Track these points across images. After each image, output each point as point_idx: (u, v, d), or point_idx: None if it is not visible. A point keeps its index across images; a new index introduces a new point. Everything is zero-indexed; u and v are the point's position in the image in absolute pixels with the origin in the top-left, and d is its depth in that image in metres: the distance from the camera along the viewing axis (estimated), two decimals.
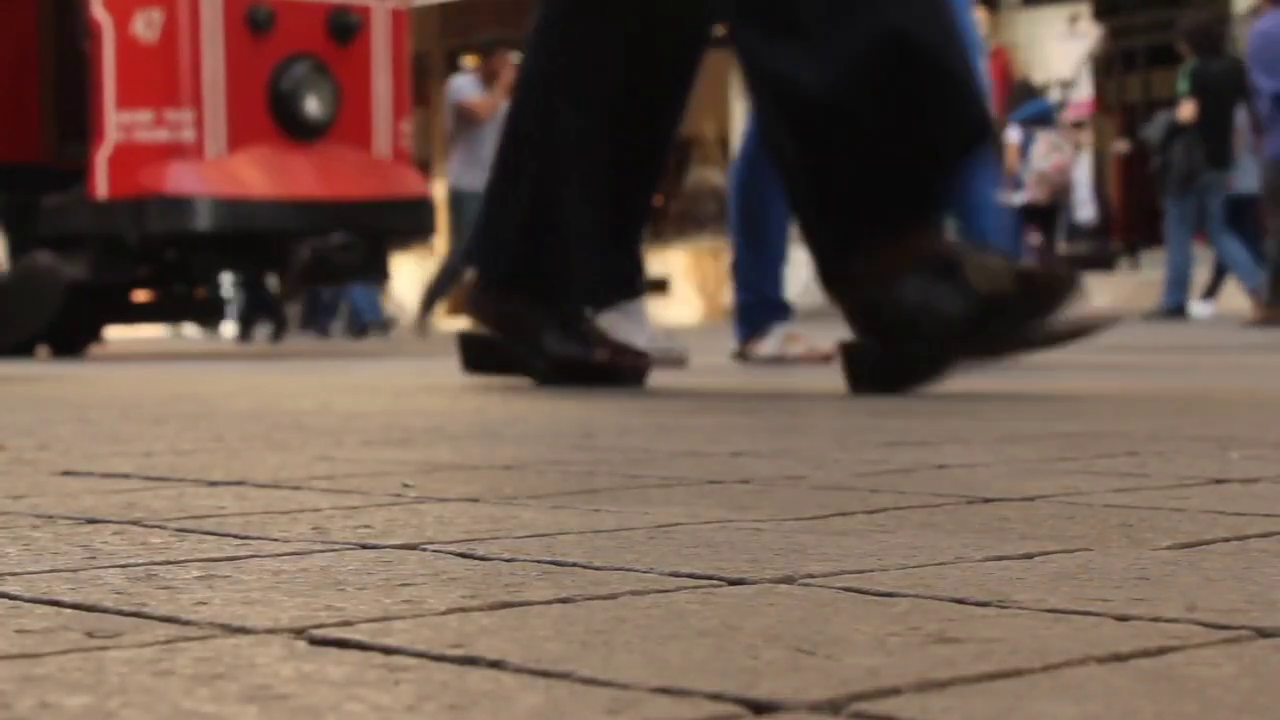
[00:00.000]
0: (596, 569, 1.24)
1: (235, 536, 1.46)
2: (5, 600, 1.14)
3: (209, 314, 11.74)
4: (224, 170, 9.33)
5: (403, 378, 5.42)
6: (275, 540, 1.43)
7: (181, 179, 9.30)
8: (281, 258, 9.69)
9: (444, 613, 1.07)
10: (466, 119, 13.42)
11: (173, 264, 10.08)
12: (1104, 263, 15.35)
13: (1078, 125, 15.62)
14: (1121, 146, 15.79)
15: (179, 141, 9.34)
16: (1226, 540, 1.38)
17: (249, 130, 9.40)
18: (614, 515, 1.58)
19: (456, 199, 13.33)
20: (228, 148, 9.35)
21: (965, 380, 4.03)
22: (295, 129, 9.50)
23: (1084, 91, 16.04)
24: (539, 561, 1.29)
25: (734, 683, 0.85)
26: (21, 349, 9.95)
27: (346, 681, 0.87)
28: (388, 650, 0.95)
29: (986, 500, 1.68)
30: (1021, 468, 2.01)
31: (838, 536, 1.42)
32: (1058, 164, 14.56)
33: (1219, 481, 1.83)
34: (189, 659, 0.93)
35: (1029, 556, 1.29)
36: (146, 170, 9.27)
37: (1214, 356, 5.90)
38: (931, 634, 0.98)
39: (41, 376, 5.99)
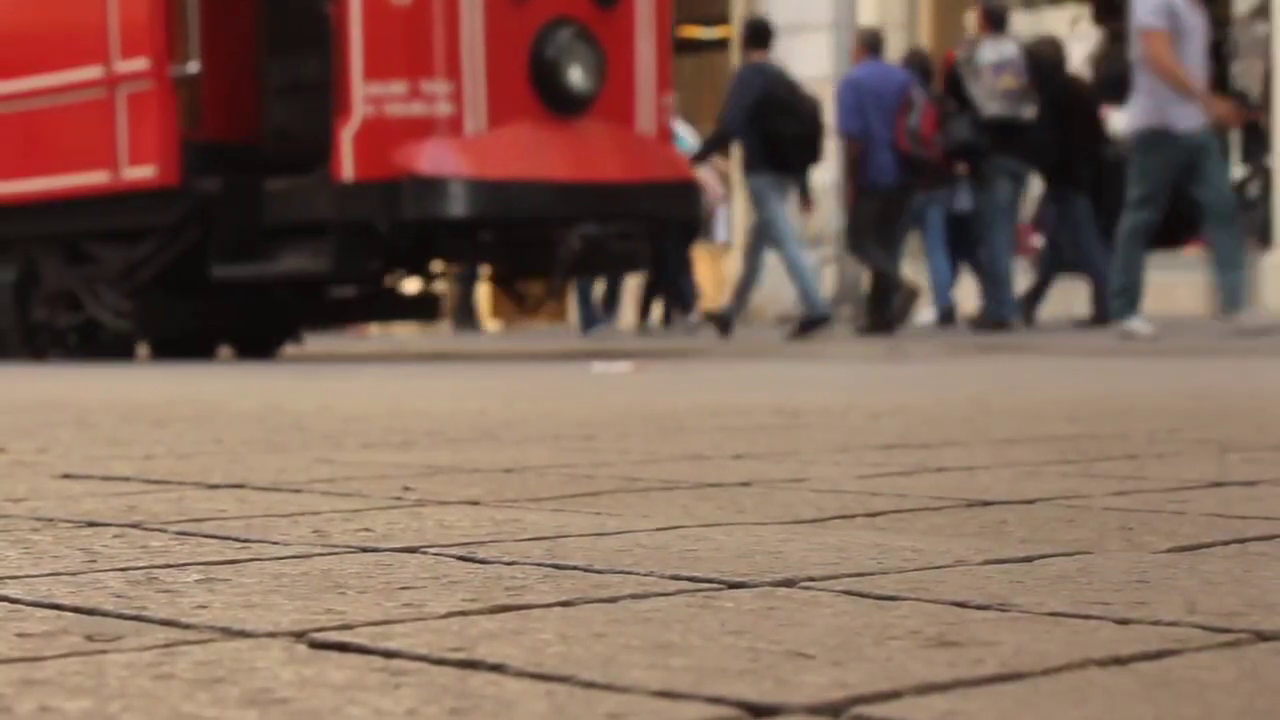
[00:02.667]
0: (598, 572, 1.24)
1: (235, 539, 1.46)
2: (5, 603, 1.14)
3: (427, 311, 10.30)
4: (484, 148, 8.16)
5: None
6: (276, 543, 1.43)
7: (439, 158, 8.10)
8: (544, 247, 8.50)
9: (445, 616, 1.07)
10: None
11: (409, 254, 8.78)
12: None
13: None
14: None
15: (435, 116, 8.17)
16: (1226, 543, 1.38)
17: (509, 103, 8.21)
18: (615, 518, 1.58)
19: None
20: (487, 123, 8.18)
21: (965, 381, 4.04)
22: (557, 102, 8.30)
23: None
24: (540, 564, 1.29)
25: (735, 686, 0.85)
26: (200, 350, 9.20)
27: (347, 685, 0.87)
28: (388, 654, 0.95)
29: (986, 503, 1.68)
30: (1021, 471, 2.01)
31: (838, 539, 1.42)
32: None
33: (1218, 485, 1.83)
34: (189, 662, 0.93)
35: (1029, 560, 1.29)
36: (399, 148, 8.07)
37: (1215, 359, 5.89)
38: (932, 637, 0.98)
39: (41, 379, 5.99)
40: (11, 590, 1.19)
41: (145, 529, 1.54)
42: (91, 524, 1.58)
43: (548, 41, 8.26)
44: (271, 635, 1.01)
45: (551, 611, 1.08)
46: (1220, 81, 15.26)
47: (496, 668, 0.90)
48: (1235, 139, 15.34)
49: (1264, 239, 14.40)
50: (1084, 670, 0.89)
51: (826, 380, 4.78)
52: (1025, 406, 3.33)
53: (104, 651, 0.96)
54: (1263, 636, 0.97)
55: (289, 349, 9.76)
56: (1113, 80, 12.22)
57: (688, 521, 1.55)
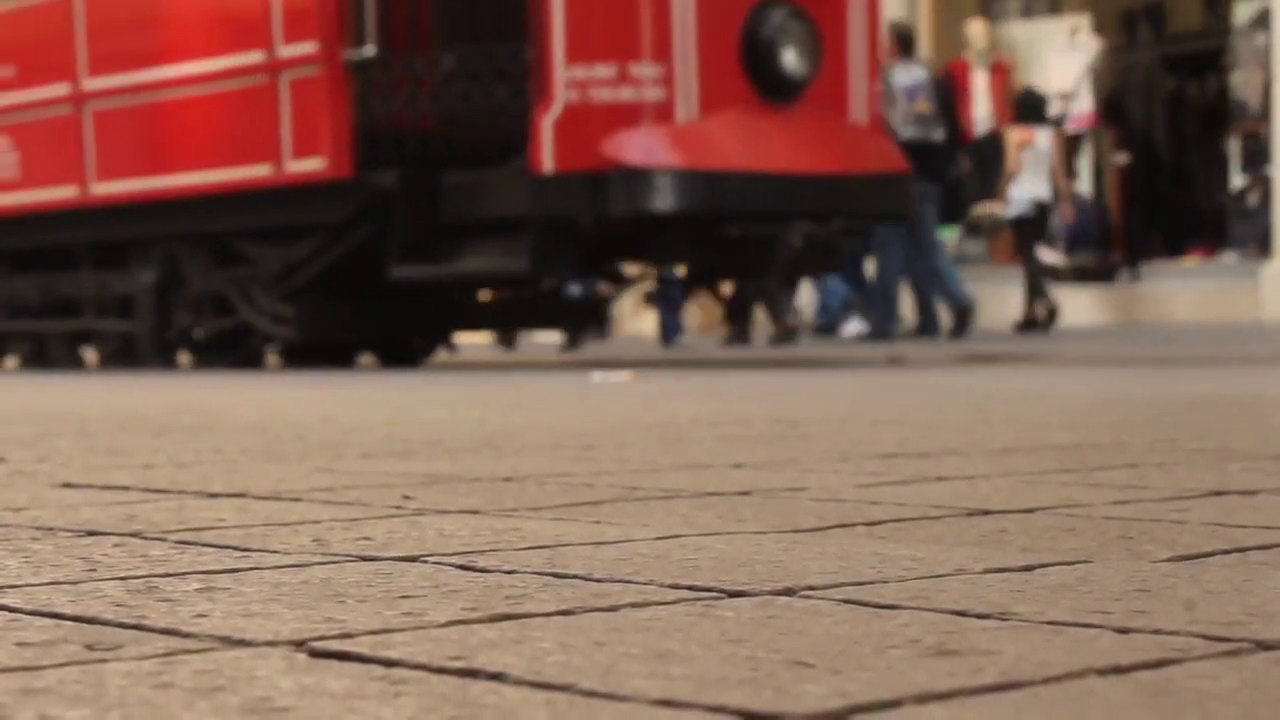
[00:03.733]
0: (597, 581, 1.24)
1: (235, 548, 1.46)
2: (5, 613, 1.14)
3: (594, 318, 9.46)
4: (697, 137, 7.46)
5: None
6: (275, 552, 1.43)
7: (650, 148, 7.36)
8: (758, 246, 7.77)
9: (445, 625, 1.07)
10: None
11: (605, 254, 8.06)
12: (1104, 275, 15.36)
13: (1076, 137, 15.67)
14: (1121, 158, 15.81)
15: (644, 101, 7.44)
16: (1226, 552, 1.38)
17: (721, 88, 7.51)
18: (615, 527, 1.58)
19: None
20: (699, 109, 7.47)
21: (964, 390, 4.04)
22: (771, 87, 7.58)
23: (1084, 104, 16.07)
24: (540, 573, 1.29)
25: (735, 695, 0.85)
26: (338, 358, 8.56)
27: (347, 694, 0.87)
28: (388, 663, 0.95)
29: (986, 512, 1.68)
30: (1021, 480, 2.01)
31: (838, 548, 1.42)
32: None
33: (1218, 494, 1.83)
34: (189, 671, 0.93)
35: (1029, 569, 1.29)
36: (605, 137, 7.33)
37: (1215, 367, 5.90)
38: (932, 646, 0.98)
39: (41, 387, 5.99)
40: (11, 599, 1.19)
41: (145, 538, 1.54)
42: (91, 533, 1.58)
43: (761, 21, 7.57)
44: (271, 644, 1.01)
45: (551, 620, 1.08)
46: (1220, 92, 15.29)
47: (496, 676, 0.90)
48: (1235, 148, 15.36)
49: (1264, 248, 14.40)
50: (1084, 679, 0.89)
51: (825, 389, 4.78)
52: (1024, 415, 3.33)
53: (104, 660, 0.96)
54: (1263, 645, 0.97)
55: (438, 356, 9.16)
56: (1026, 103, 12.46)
57: (687, 530, 1.55)
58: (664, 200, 7.29)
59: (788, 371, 6.71)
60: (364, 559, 1.39)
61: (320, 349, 8.52)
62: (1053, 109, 15.23)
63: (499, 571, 1.30)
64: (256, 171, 8.10)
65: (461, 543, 1.48)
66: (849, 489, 1.92)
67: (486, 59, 7.84)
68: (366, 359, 8.87)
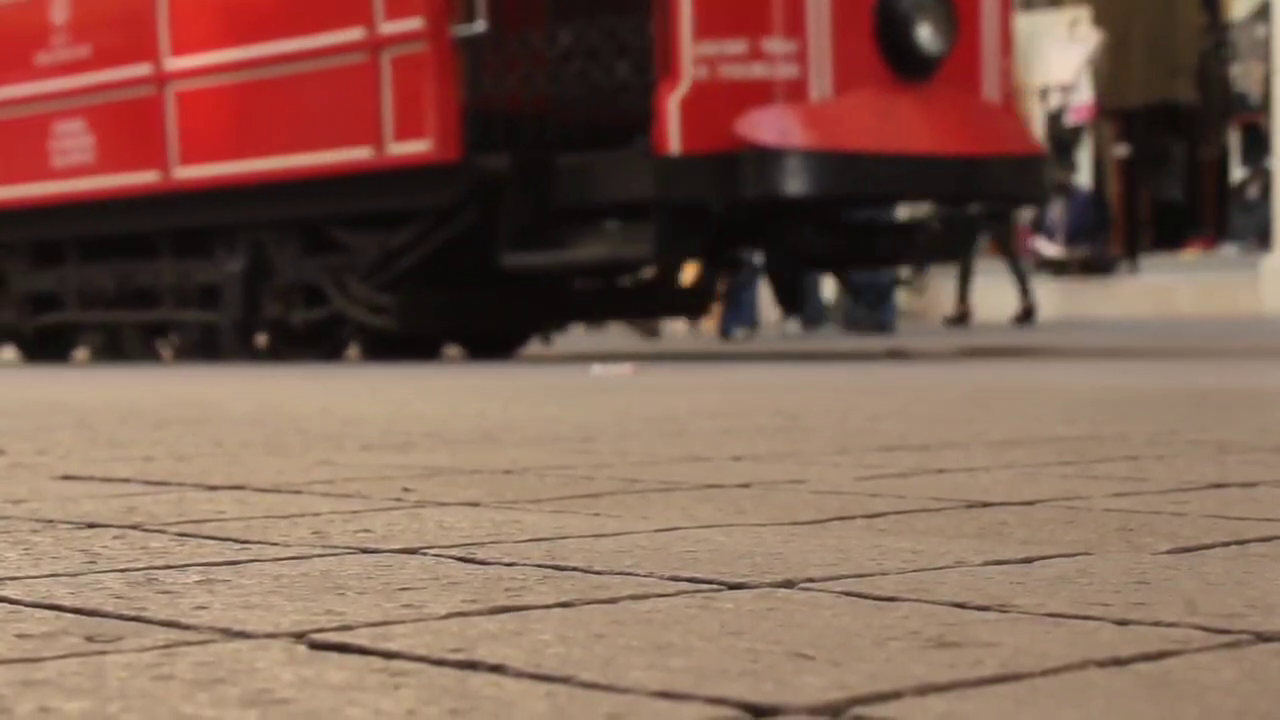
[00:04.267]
0: (597, 573, 1.24)
1: (235, 541, 1.46)
2: (5, 604, 1.14)
3: (698, 306, 8.97)
4: (832, 116, 7.08)
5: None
6: (275, 544, 1.43)
7: (784, 127, 6.97)
8: (895, 231, 7.48)
9: (444, 617, 1.07)
10: None
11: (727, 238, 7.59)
12: (1103, 267, 15.36)
13: (1077, 130, 15.65)
14: (1121, 151, 15.82)
15: (776, 79, 7.04)
16: (1226, 545, 1.38)
17: (855, 65, 7.14)
18: (615, 520, 1.58)
19: None
20: (833, 87, 7.10)
21: (964, 382, 4.04)
22: (905, 64, 7.22)
23: (1084, 96, 16.07)
24: (540, 566, 1.29)
25: (735, 687, 0.85)
26: (424, 350, 8.15)
27: (347, 686, 0.87)
28: (388, 654, 0.95)
29: (986, 505, 1.68)
30: (1020, 472, 2.01)
31: (838, 541, 1.42)
32: None
33: (1218, 486, 1.83)
34: (189, 663, 0.93)
35: (1028, 561, 1.29)
36: (736, 116, 6.95)
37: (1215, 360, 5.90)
38: (932, 638, 0.98)
39: (40, 380, 5.98)
40: (11, 591, 1.19)
41: (145, 530, 1.54)
42: (91, 525, 1.58)
43: None
44: (271, 636, 1.01)
45: (551, 612, 1.08)
46: (1222, 85, 15.28)
47: (496, 668, 0.90)
48: (1235, 141, 15.35)
49: (1264, 242, 14.40)
50: (1084, 671, 0.89)
51: (825, 382, 4.78)
52: (1024, 408, 3.33)
53: (104, 652, 0.96)
54: (1263, 637, 0.97)
55: (529, 349, 8.77)
56: None
57: (687, 523, 1.55)
58: (797, 183, 6.91)
59: (787, 364, 6.71)
60: (364, 551, 1.39)
61: (402, 341, 8.12)
62: (1052, 101, 15.22)
63: (499, 564, 1.30)
64: (355, 154, 7.70)
65: (461, 535, 1.48)
66: (849, 481, 1.92)
67: (607, 35, 7.44)
68: (452, 351, 8.54)
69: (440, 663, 0.92)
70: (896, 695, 0.83)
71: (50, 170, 9.19)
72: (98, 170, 8.95)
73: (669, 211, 7.05)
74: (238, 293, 8.37)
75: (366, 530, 1.52)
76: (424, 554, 1.36)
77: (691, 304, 9.00)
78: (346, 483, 1.97)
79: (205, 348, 8.72)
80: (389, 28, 7.53)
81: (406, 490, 1.87)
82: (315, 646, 0.98)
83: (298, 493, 1.86)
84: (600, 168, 7.22)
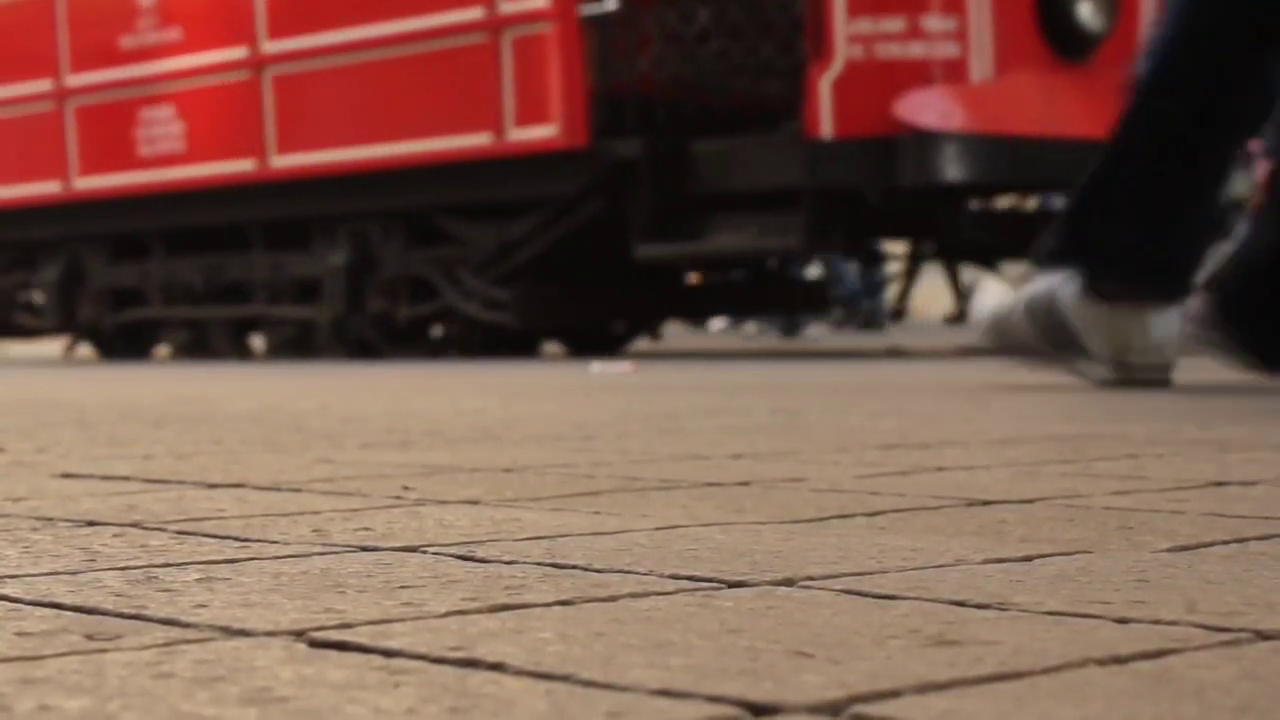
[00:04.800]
0: (597, 571, 1.24)
1: (235, 539, 1.46)
2: (5, 602, 1.14)
3: (816, 301, 8.67)
4: (994, 99, 6.74)
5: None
6: (275, 543, 1.43)
7: (945, 110, 6.63)
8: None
9: (444, 615, 1.07)
10: None
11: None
12: None
13: None
14: None
15: (936, 59, 6.69)
16: (1225, 543, 1.38)
17: (1015, 44, 6.78)
18: (614, 518, 1.58)
19: None
20: (993, 68, 6.75)
21: (957, 381, 4.04)
22: (1066, 44, 6.84)
23: None
24: (539, 564, 1.29)
25: (734, 685, 0.85)
26: (523, 347, 7.84)
27: (346, 684, 0.87)
28: (388, 653, 0.95)
29: (986, 503, 1.68)
30: (1021, 470, 2.01)
31: (837, 539, 1.42)
32: None
33: (1218, 484, 1.83)
34: (189, 661, 0.93)
35: (1028, 559, 1.29)
36: (894, 98, 6.60)
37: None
38: (931, 636, 0.98)
39: (40, 379, 5.98)
40: (11, 589, 1.19)
41: (145, 528, 1.54)
42: (91, 523, 1.58)
43: None
44: (271, 634, 1.01)
45: (551, 611, 1.08)
46: None
47: (496, 666, 0.90)
48: None
49: None
50: (1083, 669, 0.89)
51: (825, 380, 4.78)
52: (1024, 406, 3.33)
53: (103, 650, 0.96)
54: (1262, 635, 0.97)
55: (636, 345, 8.41)
56: None
57: (687, 521, 1.55)
58: (958, 169, 6.54)
59: (787, 362, 6.71)
60: (364, 549, 1.39)
61: (501, 338, 7.75)
62: None
63: (499, 562, 1.30)
64: (472, 141, 7.31)
65: (461, 533, 1.48)
66: (848, 479, 1.92)
67: (750, 12, 7.12)
68: (553, 349, 8.17)
69: (440, 661, 0.92)
70: (896, 693, 0.83)
71: (136, 159, 8.79)
72: (188, 159, 8.55)
73: (819, 199, 6.65)
74: (340, 287, 7.96)
75: (366, 528, 1.52)
76: (424, 552, 1.36)
77: (811, 298, 8.52)
78: (346, 481, 1.97)
79: (299, 344, 8.35)
80: (510, 7, 7.17)
81: (406, 488, 1.87)
82: (315, 644, 0.98)
83: (297, 491, 1.86)
84: (742, 153, 6.82)
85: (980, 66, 6.73)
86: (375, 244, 7.92)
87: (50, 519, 1.62)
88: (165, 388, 4.92)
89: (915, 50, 6.66)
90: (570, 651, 0.94)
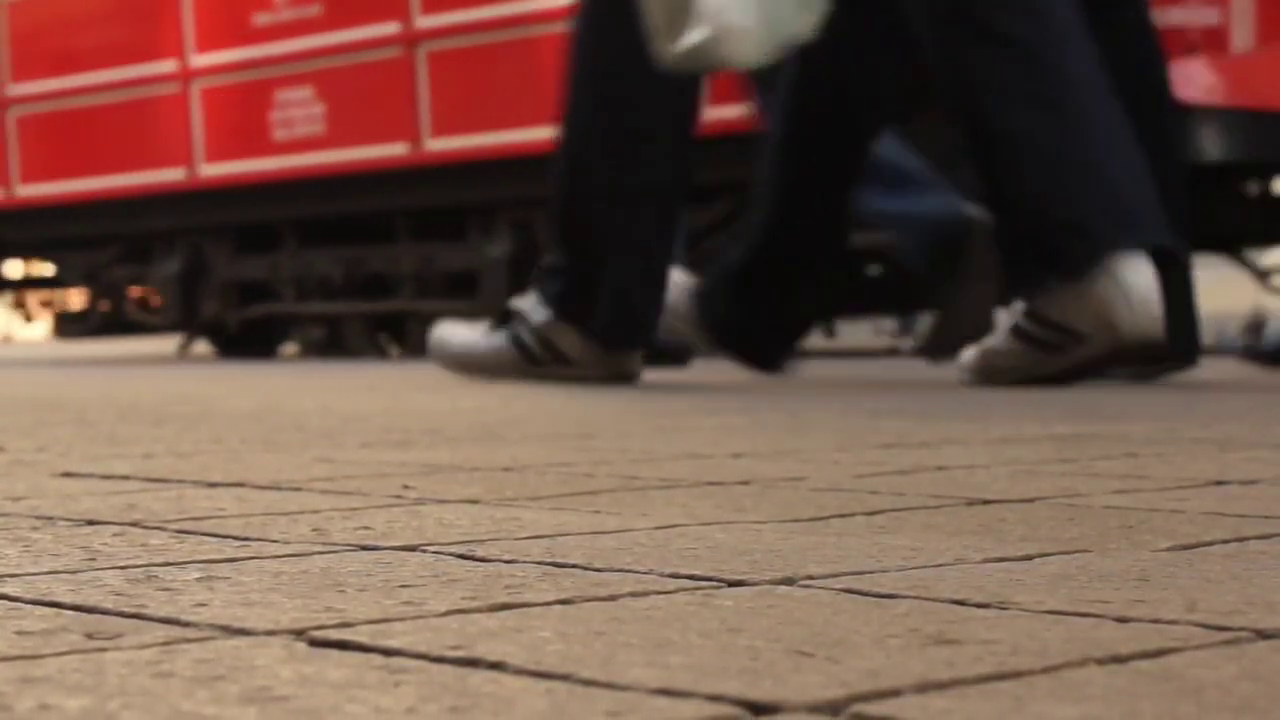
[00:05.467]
0: (597, 570, 1.24)
1: (235, 538, 1.46)
2: (4, 601, 1.14)
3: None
4: (1257, 71, 6.21)
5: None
6: (275, 542, 1.43)
7: (1209, 83, 6.11)
8: None
9: (444, 614, 1.07)
10: None
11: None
12: None
13: None
14: None
15: (1195, 26, 6.17)
16: (1226, 542, 1.38)
17: (1275, 12, 6.25)
18: (614, 517, 1.58)
19: None
20: (1254, 38, 6.23)
21: (955, 383, 4.04)
22: None
23: None
24: (539, 563, 1.29)
25: (734, 684, 0.85)
26: (665, 359, 7.24)
27: (346, 683, 0.87)
28: (388, 652, 0.95)
29: (986, 502, 1.68)
30: (1021, 469, 2.01)
31: (837, 538, 1.42)
32: None
33: (1219, 483, 1.83)
34: (189, 660, 0.93)
35: (1028, 558, 1.29)
36: None
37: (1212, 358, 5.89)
38: (931, 635, 0.98)
39: (39, 378, 5.98)
40: (11, 588, 1.19)
41: (145, 527, 1.54)
42: (91, 522, 1.58)
43: None
44: (271, 633, 1.01)
45: (551, 610, 1.08)
46: None
47: (496, 666, 0.90)
48: None
49: None
50: (1083, 668, 0.89)
51: (824, 378, 4.78)
52: (1024, 404, 3.33)
53: (103, 649, 0.96)
54: (1263, 635, 0.97)
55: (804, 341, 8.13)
56: None
57: (687, 520, 1.55)
58: (1219, 147, 6.03)
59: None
60: (363, 548, 1.39)
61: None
62: None
63: (498, 561, 1.30)
64: None
65: (461, 532, 1.48)
66: (848, 479, 1.92)
67: None
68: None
69: (440, 660, 0.92)
70: (896, 692, 0.83)
71: (269, 144, 8.22)
72: (329, 144, 7.94)
73: None
74: (500, 280, 7.45)
75: (366, 527, 1.52)
76: (424, 551, 1.36)
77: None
78: (346, 480, 1.97)
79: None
80: None
81: (406, 487, 1.87)
82: (315, 644, 0.98)
83: (297, 490, 1.86)
84: None
85: (1241, 35, 6.25)
86: (539, 233, 7.35)
87: (50, 518, 1.62)
88: (165, 386, 4.92)
89: (1174, 17, 6.10)
90: (570, 650, 0.94)
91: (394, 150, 7.74)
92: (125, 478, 2.02)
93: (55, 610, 1.10)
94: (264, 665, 0.92)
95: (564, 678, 0.87)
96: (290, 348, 9.09)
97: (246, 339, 9.10)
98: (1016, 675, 0.87)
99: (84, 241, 9.47)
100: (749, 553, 1.33)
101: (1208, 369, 4.47)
